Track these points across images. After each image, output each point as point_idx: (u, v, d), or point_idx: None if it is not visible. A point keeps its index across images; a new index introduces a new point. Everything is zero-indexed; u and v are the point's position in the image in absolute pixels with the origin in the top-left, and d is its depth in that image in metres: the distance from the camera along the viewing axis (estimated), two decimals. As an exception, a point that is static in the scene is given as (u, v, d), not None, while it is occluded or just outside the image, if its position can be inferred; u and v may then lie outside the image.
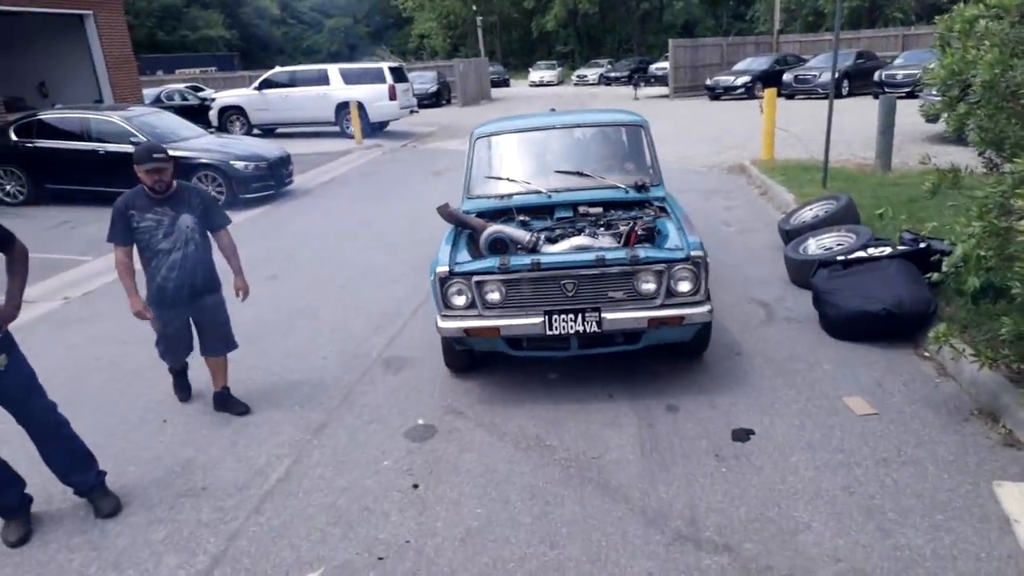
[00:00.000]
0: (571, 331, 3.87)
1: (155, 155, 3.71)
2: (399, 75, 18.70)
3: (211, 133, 12.69)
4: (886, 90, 16.87)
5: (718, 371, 4.37)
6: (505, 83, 41.54)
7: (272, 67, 21.48)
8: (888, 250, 4.96)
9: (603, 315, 3.84)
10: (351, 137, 16.93)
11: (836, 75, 8.86)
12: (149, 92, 20.61)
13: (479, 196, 5.03)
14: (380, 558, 2.91)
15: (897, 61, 20.02)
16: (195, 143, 10.85)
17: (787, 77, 22.07)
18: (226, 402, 4.26)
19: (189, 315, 4.06)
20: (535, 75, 42.35)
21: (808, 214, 6.68)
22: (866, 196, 7.59)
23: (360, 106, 17.07)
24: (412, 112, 19.48)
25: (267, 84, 18.60)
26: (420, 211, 6.96)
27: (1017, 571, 2.63)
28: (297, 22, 64.78)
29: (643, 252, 3.88)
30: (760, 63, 24.76)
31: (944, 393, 3.92)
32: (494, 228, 4.30)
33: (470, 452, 3.65)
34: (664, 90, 27.58)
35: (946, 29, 3.75)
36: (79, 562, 3.01)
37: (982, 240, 3.31)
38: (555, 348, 4.09)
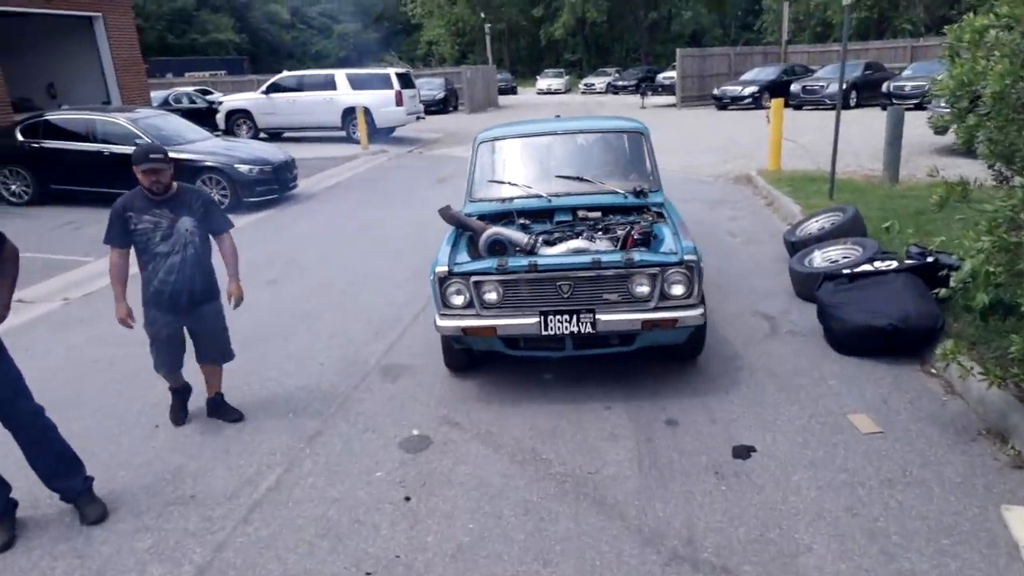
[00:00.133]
0: (566, 332, 3.95)
1: (152, 156, 3.63)
2: (406, 81, 18.71)
3: (217, 136, 12.69)
4: (894, 101, 16.80)
5: (720, 384, 4.29)
6: (512, 90, 41.58)
7: (281, 71, 21.50)
8: (895, 264, 4.88)
9: (598, 316, 3.91)
10: (357, 142, 16.92)
11: (844, 86, 8.79)
12: (157, 95, 20.67)
13: (481, 199, 5.12)
14: (368, 573, 2.84)
15: (905, 72, 19.93)
16: (200, 146, 10.85)
17: (795, 87, 21.99)
18: (219, 408, 4.20)
19: (185, 323, 3.94)
20: (542, 83, 42.38)
21: (814, 226, 6.60)
22: (873, 208, 7.50)
23: (367, 111, 17.06)
24: (419, 118, 19.47)
25: (274, 88, 18.63)
26: (424, 217, 6.91)
27: (1025, 599, 2.54)
28: (306, 27, 65.06)
29: (638, 255, 3.96)
30: (768, 73, 24.70)
31: (951, 411, 3.83)
32: (493, 230, 4.39)
33: (464, 464, 3.58)
34: (671, 99, 27.53)
35: (955, 39, 3.68)
36: (62, 570, 2.95)
37: (991, 255, 3.23)
38: (551, 348, 4.17)
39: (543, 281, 3.96)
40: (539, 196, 4.96)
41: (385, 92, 17.76)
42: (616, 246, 4.35)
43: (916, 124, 10.59)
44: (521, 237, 4.37)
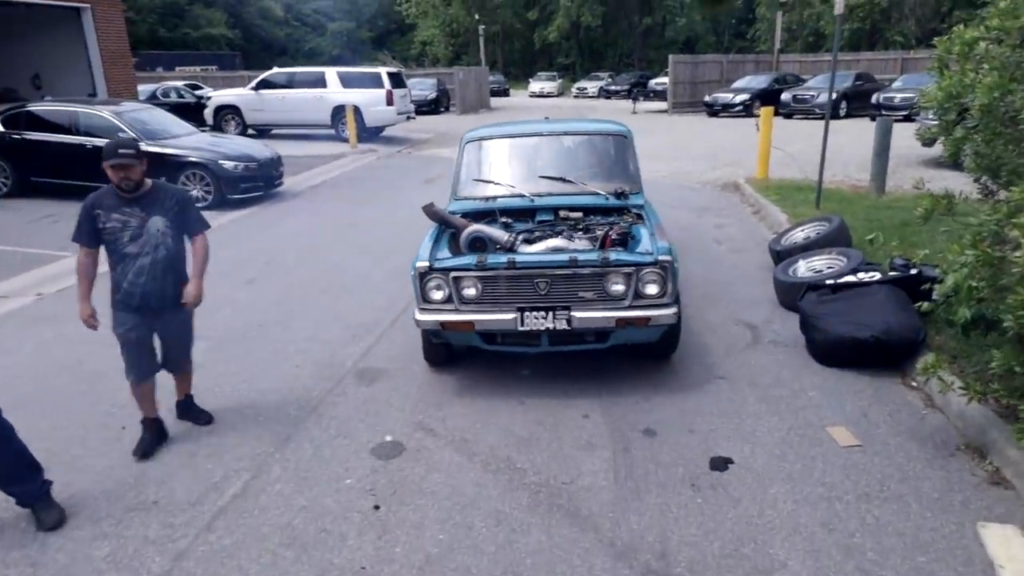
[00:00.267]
0: (542, 328, 4.03)
1: (122, 151, 3.43)
2: (397, 80, 18.60)
3: (203, 132, 12.54)
4: (883, 112, 16.85)
5: (699, 394, 4.24)
6: (505, 93, 41.52)
7: (273, 68, 21.33)
8: (878, 275, 4.85)
9: (573, 313, 4.00)
10: (346, 141, 16.81)
11: (834, 96, 8.78)
12: (145, 88, 20.51)
13: (465, 197, 5.20)
14: (332, 585, 2.76)
15: (895, 84, 20.02)
16: (185, 141, 10.71)
17: (786, 96, 22.03)
18: (189, 411, 4.10)
19: (154, 327, 3.74)
20: (535, 86, 42.34)
21: (800, 235, 6.57)
22: (859, 219, 7.49)
23: (356, 110, 16.95)
24: (409, 118, 19.37)
25: (264, 84, 18.48)
26: (410, 218, 6.82)
27: (1001, 622, 2.49)
28: (300, 24, 64.68)
29: (613, 255, 4.04)
30: (759, 81, 24.74)
31: (930, 426, 3.78)
32: (474, 227, 4.49)
33: (437, 472, 3.50)
34: (663, 105, 27.55)
35: (945, 51, 3.65)
36: (14, 578, 2.85)
37: (975, 270, 3.18)
38: (527, 344, 4.25)
39: (521, 278, 4.03)
40: (522, 195, 5.04)
41: (376, 91, 17.66)
42: (595, 246, 4.40)
43: (904, 135, 10.61)
44: (501, 235, 4.46)
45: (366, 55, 52.05)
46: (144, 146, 10.09)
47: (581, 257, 4.02)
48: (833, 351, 4.50)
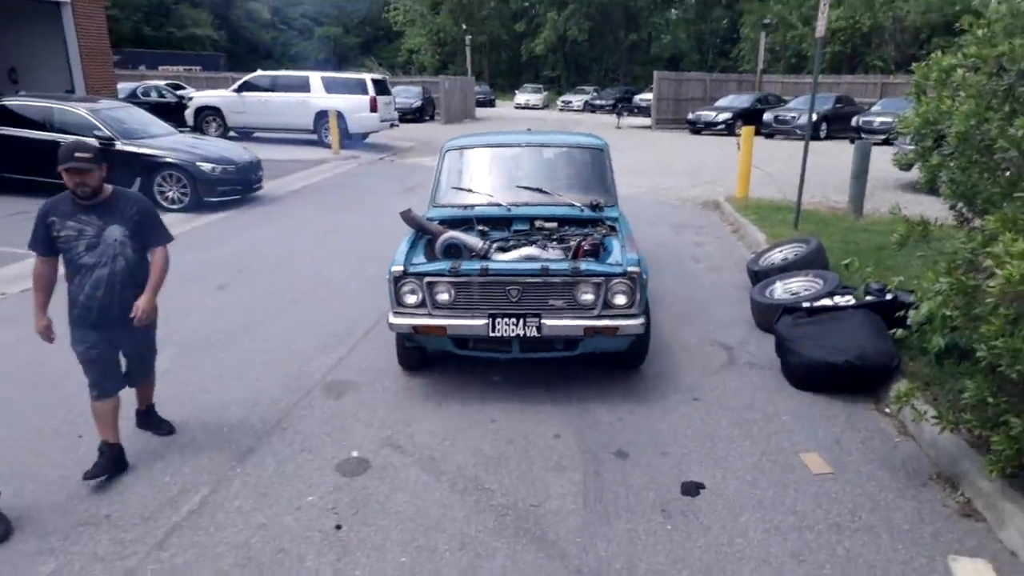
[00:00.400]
0: (513, 334, 4.11)
1: (78, 154, 3.21)
2: (382, 88, 18.52)
3: (182, 133, 12.35)
4: (863, 135, 17.07)
5: (673, 416, 4.18)
6: (491, 103, 41.57)
7: (257, 70, 21.15)
8: (853, 300, 4.84)
9: (543, 321, 4.09)
10: (328, 146, 16.68)
11: (814, 118, 8.84)
12: (125, 86, 20.24)
13: (444, 205, 5.28)
14: (286, 609, 2.65)
15: (874, 108, 20.31)
16: (162, 141, 10.55)
17: (767, 116, 22.25)
18: (149, 421, 3.97)
19: (114, 343, 3.54)
20: (521, 97, 42.46)
21: (778, 256, 6.57)
22: (836, 241, 7.52)
23: (340, 116, 16.84)
24: (393, 126, 19.26)
25: (247, 87, 18.29)
26: (389, 227, 6.71)
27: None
28: (287, 28, 64.34)
29: (584, 265, 4.15)
30: (742, 100, 24.99)
31: (903, 454, 3.76)
32: (449, 234, 4.61)
33: (402, 492, 3.40)
34: (647, 121, 27.72)
35: (922, 77, 3.65)
36: (-49, 596, 2.72)
37: (949, 298, 3.17)
38: (498, 350, 4.33)
39: (493, 285, 4.12)
40: (499, 205, 5.13)
41: (360, 97, 17.56)
42: (568, 256, 4.50)
43: (883, 159, 10.75)
44: (476, 242, 4.58)
45: (353, 61, 51.92)
46: (120, 145, 10.19)
47: (552, 266, 4.13)
48: (807, 375, 4.48)
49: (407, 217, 4.79)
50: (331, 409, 4.26)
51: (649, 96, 28.72)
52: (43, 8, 14.92)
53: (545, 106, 42.06)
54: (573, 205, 5.11)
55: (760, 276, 6.22)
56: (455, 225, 4.95)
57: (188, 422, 4.06)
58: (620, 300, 4.12)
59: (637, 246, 4.50)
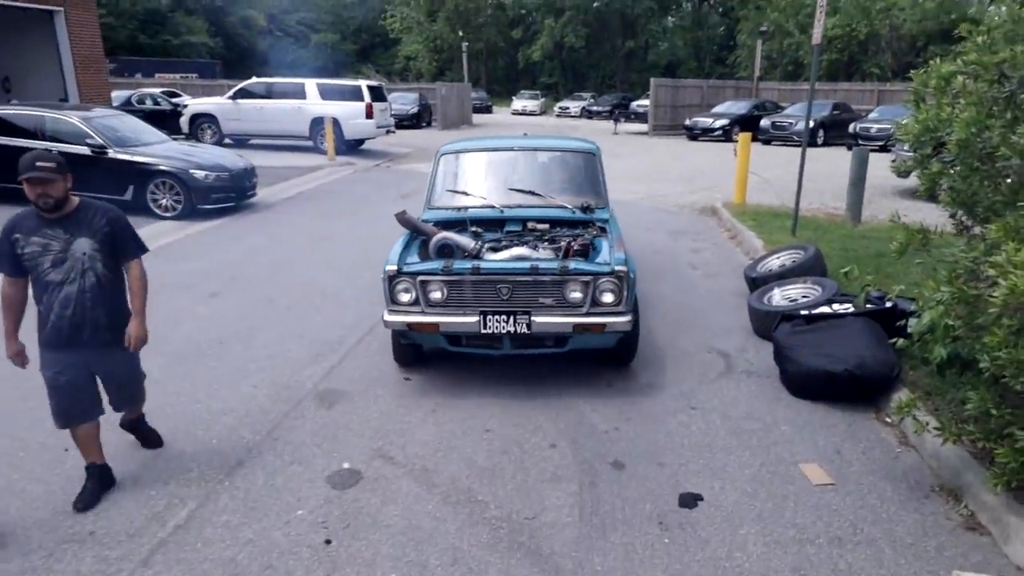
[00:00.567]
0: (503, 331, 4.25)
1: (40, 163, 3.00)
2: (378, 94, 18.48)
3: (176, 140, 12.28)
4: (860, 142, 17.07)
5: (670, 425, 4.12)
6: (488, 109, 41.58)
7: (252, 77, 21.08)
8: (852, 307, 4.78)
9: (533, 318, 4.22)
10: (324, 153, 16.62)
11: (811, 124, 8.81)
12: (119, 94, 20.17)
13: (439, 207, 5.43)
14: (273, 629, 2.58)
15: (872, 115, 20.35)
16: (156, 149, 10.47)
17: (764, 123, 22.28)
18: (136, 429, 3.87)
19: (90, 367, 3.33)
20: (518, 104, 42.49)
21: (775, 263, 6.52)
22: (835, 247, 7.48)
23: (335, 122, 16.79)
24: (389, 132, 19.21)
25: (242, 94, 18.23)
26: (384, 233, 6.65)
27: None
28: (283, 35, 64.32)
29: (572, 264, 4.28)
30: (739, 107, 25.00)
31: (905, 465, 3.69)
32: (443, 235, 4.73)
33: (393, 504, 3.33)
34: (644, 127, 27.71)
35: (921, 84, 3.60)
36: (-72, 616, 2.64)
37: (950, 307, 3.11)
38: (490, 347, 4.47)
39: (484, 283, 4.24)
40: (492, 207, 5.26)
41: (355, 104, 17.51)
42: (558, 256, 4.61)
43: (880, 166, 10.72)
44: (468, 242, 4.70)
45: (350, 68, 51.94)
46: (113, 153, 10.12)
47: (542, 265, 4.25)
48: (806, 383, 4.41)
49: (402, 219, 4.89)
50: (323, 419, 4.19)
51: (646, 102, 28.72)
52: (36, 17, 14.87)
53: (542, 112, 42.09)
54: (564, 207, 5.24)
55: (758, 283, 6.17)
56: (449, 226, 5.04)
57: (176, 433, 3.99)
58: (608, 298, 4.24)
59: (626, 246, 4.61)
